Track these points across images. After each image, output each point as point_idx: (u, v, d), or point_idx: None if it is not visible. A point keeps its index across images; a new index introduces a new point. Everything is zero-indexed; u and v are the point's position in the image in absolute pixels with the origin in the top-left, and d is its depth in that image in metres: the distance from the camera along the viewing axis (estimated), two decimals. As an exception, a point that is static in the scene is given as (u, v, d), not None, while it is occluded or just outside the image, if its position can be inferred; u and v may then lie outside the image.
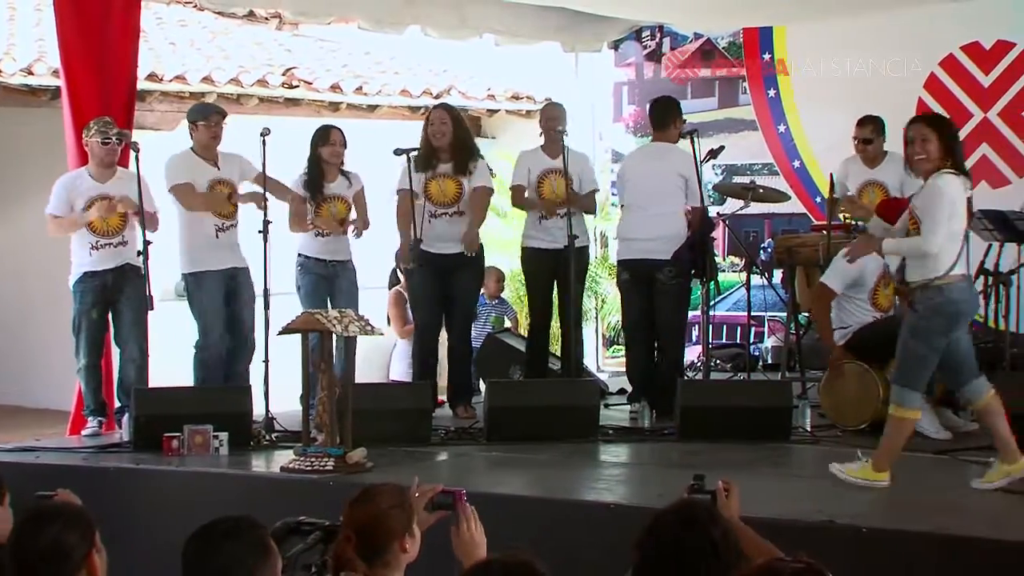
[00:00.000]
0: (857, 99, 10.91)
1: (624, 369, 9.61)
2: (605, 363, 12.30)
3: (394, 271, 10.70)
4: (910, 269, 6.39)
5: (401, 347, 10.97)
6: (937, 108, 11.11)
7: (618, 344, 12.07)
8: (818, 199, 11.31)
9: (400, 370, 10.92)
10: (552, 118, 9.13)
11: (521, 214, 9.56)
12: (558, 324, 9.58)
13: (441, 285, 8.76)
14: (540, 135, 9.12)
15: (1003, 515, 6.02)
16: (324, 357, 7.07)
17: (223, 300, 8.50)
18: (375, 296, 9.58)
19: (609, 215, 11.99)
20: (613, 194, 11.85)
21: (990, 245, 8.75)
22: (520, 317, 11.61)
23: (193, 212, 8.45)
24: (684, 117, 9.11)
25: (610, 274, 11.58)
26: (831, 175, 9.58)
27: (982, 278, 8.61)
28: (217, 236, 8.47)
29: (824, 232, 9.32)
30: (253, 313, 8.52)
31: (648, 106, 9.43)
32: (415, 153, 8.67)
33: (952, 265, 6.25)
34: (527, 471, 7.20)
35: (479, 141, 13.02)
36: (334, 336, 7.04)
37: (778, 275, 10.44)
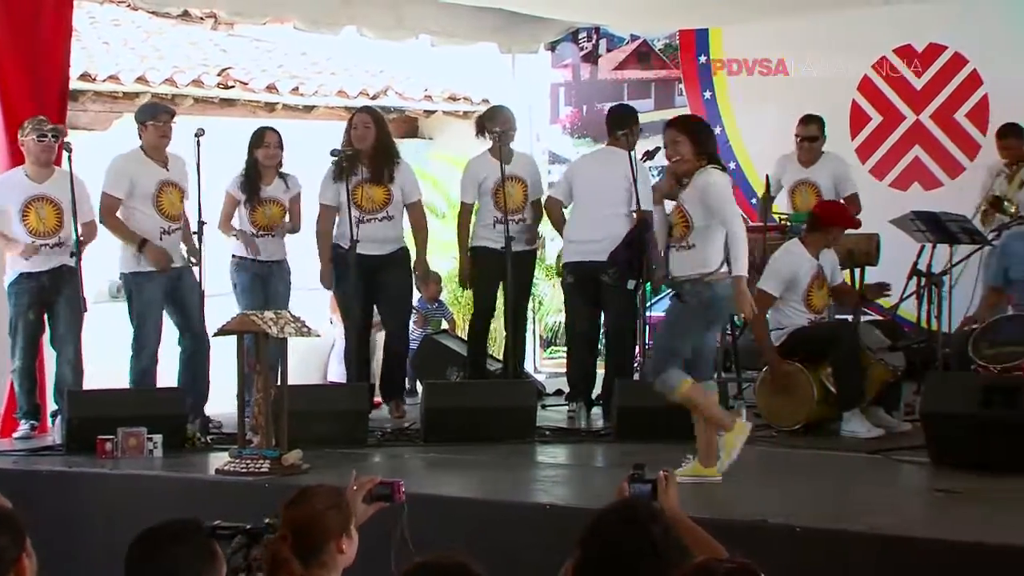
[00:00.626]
0: (792, 101, 10.99)
1: (561, 370, 9.62)
2: (543, 364, 12.31)
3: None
4: (678, 263, 6.54)
5: (339, 348, 10.92)
6: (870, 110, 11.23)
7: (555, 345, 12.09)
8: (753, 200, 11.36)
9: (338, 371, 10.88)
10: (507, 120, 9.12)
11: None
12: (496, 325, 9.57)
13: (370, 286, 8.74)
14: (489, 139, 9.03)
15: (936, 515, 6.08)
16: (259, 358, 7.04)
17: (165, 302, 8.41)
18: (313, 297, 9.52)
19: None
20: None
21: (923, 246, 8.84)
22: (458, 319, 11.60)
23: (133, 214, 8.33)
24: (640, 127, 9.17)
25: (547, 275, 11.58)
26: (766, 176, 9.66)
27: (915, 279, 8.69)
28: (161, 239, 8.35)
29: (760, 232, 9.37)
30: (202, 313, 8.43)
31: (607, 112, 9.46)
32: (350, 153, 8.64)
33: (721, 263, 6.47)
34: (464, 472, 7.20)
35: (415, 142, 13.10)
36: (269, 337, 7.00)
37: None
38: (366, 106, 9.86)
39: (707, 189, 6.48)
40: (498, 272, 8.96)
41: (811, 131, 9.69)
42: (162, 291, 8.35)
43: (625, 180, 8.55)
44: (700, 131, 6.66)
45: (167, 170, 8.41)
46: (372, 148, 8.67)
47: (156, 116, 8.43)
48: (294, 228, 8.87)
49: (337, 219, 8.70)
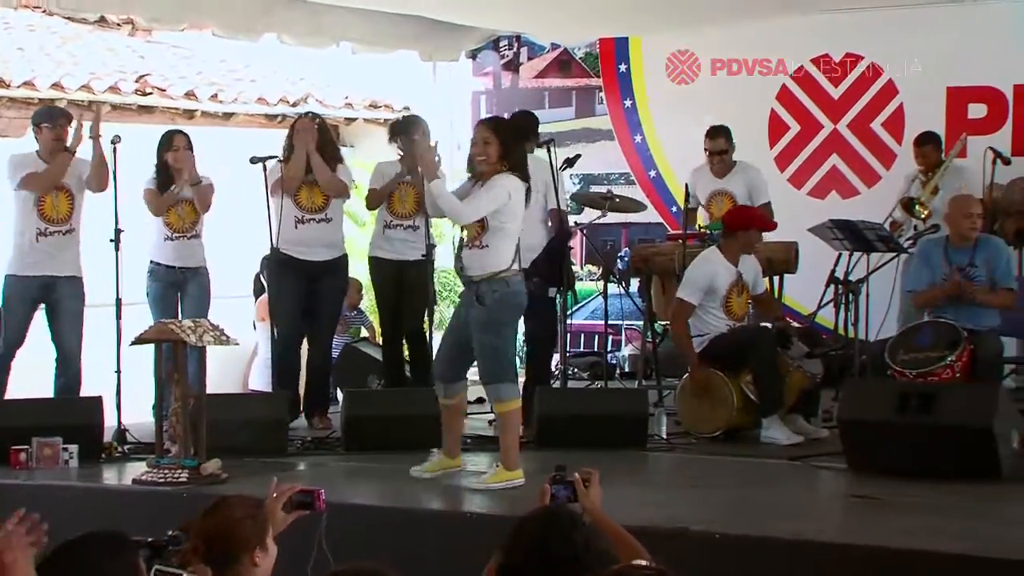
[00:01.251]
0: (711, 110, 11.06)
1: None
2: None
3: (257, 277, 10.58)
4: (471, 262, 6.72)
5: (263, 355, 10.85)
6: (789, 119, 11.33)
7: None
8: (674, 209, 11.45)
9: (260, 379, 10.81)
10: (419, 129, 9.09)
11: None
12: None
13: (305, 293, 8.70)
14: (398, 148, 9.01)
15: (853, 520, 6.13)
16: (177, 367, 6.98)
17: (27, 308, 8.30)
18: (233, 304, 9.46)
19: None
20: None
21: (840, 254, 8.92)
22: (377, 327, 11.55)
23: (22, 214, 8.25)
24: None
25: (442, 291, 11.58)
26: (686, 185, 9.71)
27: (832, 287, 8.77)
28: (37, 240, 8.24)
29: (680, 241, 9.43)
30: (77, 329, 8.33)
31: (511, 117, 9.46)
32: (272, 161, 8.59)
33: (513, 260, 6.72)
34: (384, 481, 7.17)
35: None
36: (187, 346, 6.94)
37: (635, 284, 10.54)
38: (309, 111, 9.83)
39: (487, 185, 6.68)
40: (393, 281, 8.90)
41: (718, 145, 9.75)
42: (25, 297, 8.27)
43: (542, 187, 8.54)
44: (511, 140, 6.80)
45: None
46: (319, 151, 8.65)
47: (52, 119, 8.39)
48: (204, 204, 8.72)
49: (278, 223, 8.62)
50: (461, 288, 7.06)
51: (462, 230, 6.85)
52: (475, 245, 6.71)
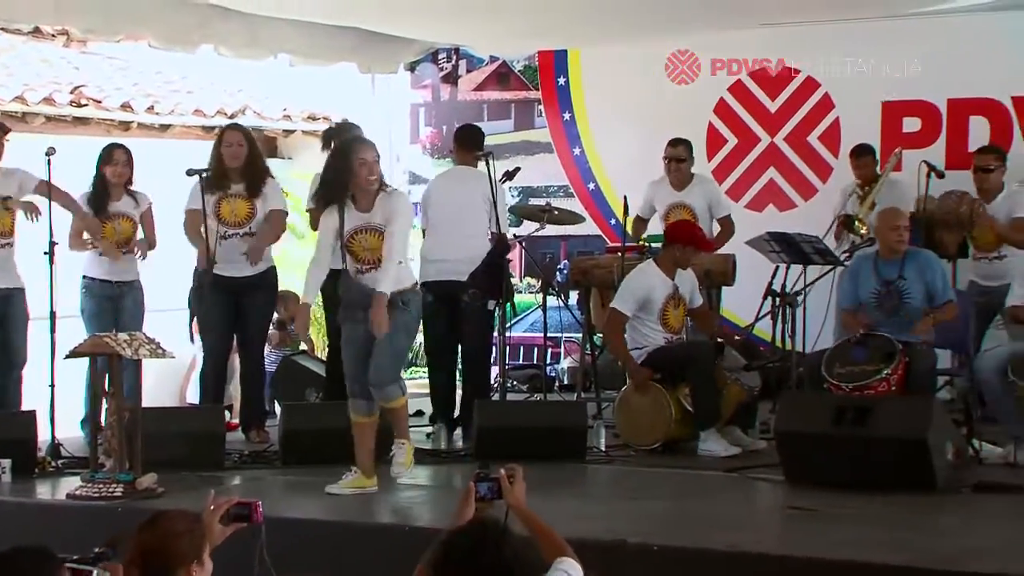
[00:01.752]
0: (649, 123, 11.14)
1: (422, 391, 9.60)
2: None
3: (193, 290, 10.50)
4: (401, 279, 6.93)
5: (199, 369, 10.77)
6: (726, 132, 11.41)
7: (416, 365, 12.07)
8: (612, 221, 11.48)
9: (198, 393, 10.72)
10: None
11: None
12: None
13: (232, 308, 8.64)
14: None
15: (790, 532, 6.17)
16: (113, 380, 6.93)
17: None
18: (167, 318, 9.38)
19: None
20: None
21: (777, 267, 8.97)
22: (316, 340, 11.52)
23: None
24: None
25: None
26: (624, 197, 9.73)
27: (770, 299, 8.82)
28: None
29: (618, 254, 9.47)
30: (26, 337, 8.34)
31: (456, 131, 9.49)
32: (208, 173, 8.55)
33: None
34: (323, 494, 7.14)
35: (275, 162, 12.98)
36: (123, 359, 6.90)
37: (574, 296, 10.56)
38: (235, 123, 9.80)
39: (406, 212, 7.03)
40: None
41: (678, 152, 9.83)
42: None
43: (484, 201, 8.56)
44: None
45: None
46: (244, 165, 8.60)
47: None
48: (151, 244, 8.77)
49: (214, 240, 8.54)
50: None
51: (354, 256, 6.96)
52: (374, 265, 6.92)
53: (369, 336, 6.88)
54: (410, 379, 12.17)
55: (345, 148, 7.01)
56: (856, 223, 9.20)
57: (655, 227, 9.95)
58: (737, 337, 9.06)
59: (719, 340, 8.55)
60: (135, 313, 8.69)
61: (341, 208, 6.90)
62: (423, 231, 9.13)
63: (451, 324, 8.83)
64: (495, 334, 8.86)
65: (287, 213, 8.94)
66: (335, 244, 6.96)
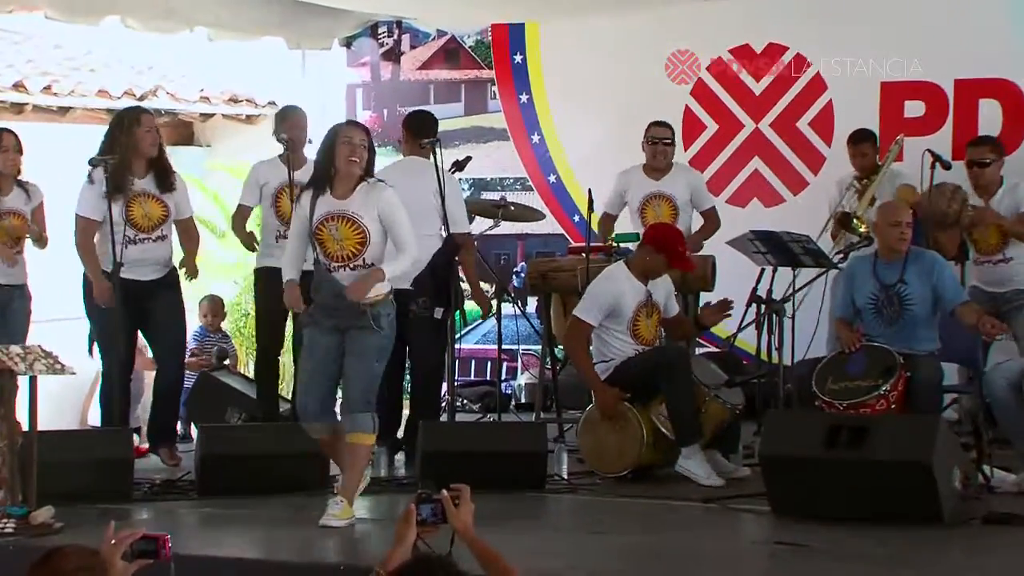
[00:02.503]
0: (618, 107, 11.17)
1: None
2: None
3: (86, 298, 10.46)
4: (394, 268, 7.05)
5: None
6: (705, 117, 11.45)
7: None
8: (576, 218, 11.50)
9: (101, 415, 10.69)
10: (299, 126, 9.13)
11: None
12: (290, 359, 9.49)
13: (137, 316, 8.62)
14: (281, 143, 9.02)
15: (779, 571, 6.20)
16: (3, 400, 6.88)
17: None
18: (60, 328, 9.32)
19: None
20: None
21: (763, 270, 9.01)
22: (240, 352, 11.48)
23: None
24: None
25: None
26: (589, 191, 9.73)
27: (754, 306, 8.86)
28: None
29: (583, 255, 9.47)
30: None
31: (405, 117, 9.47)
32: (115, 162, 8.49)
33: None
34: (247, 529, 7.12)
35: (192, 150, 12.95)
36: (15, 375, 6.86)
37: (532, 304, 10.57)
38: (138, 106, 9.78)
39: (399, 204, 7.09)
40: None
41: (663, 132, 9.88)
42: None
43: (433, 197, 8.54)
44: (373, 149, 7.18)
45: None
46: (156, 156, 8.60)
47: None
48: (44, 242, 8.77)
49: (97, 236, 8.55)
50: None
51: (323, 247, 6.98)
52: (358, 264, 6.96)
53: (338, 350, 7.00)
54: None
55: (332, 129, 7.17)
56: (855, 221, 9.22)
57: (624, 224, 9.97)
58: (715, 350, 9.10)
59: (699, 326, 8.65)
60: (22, 322, 8.68)
61: (316, 195, 6.99)
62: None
63: (399, 336, 8.79)
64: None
65: (189, 210, 9.01)
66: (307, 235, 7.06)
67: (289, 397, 9.71)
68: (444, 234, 8.68)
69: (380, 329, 6.99)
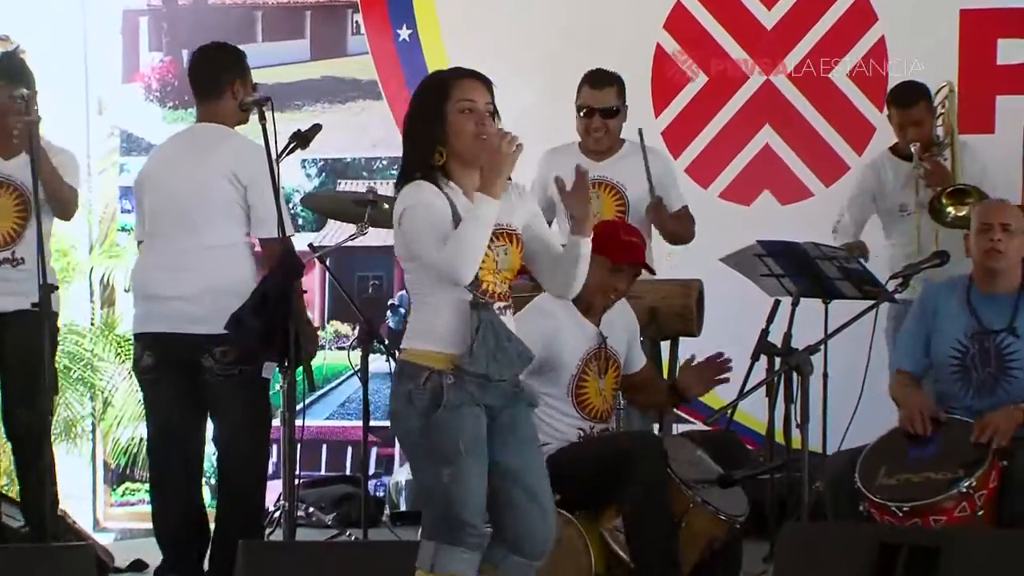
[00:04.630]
0: (550, 51, 11.17)
1: (144, 524, 9.57)
2: (110, 514, 12.21)
3: None
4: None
5: None
6: (687, 65, 11.51)
7: (133, 480, 12.03)
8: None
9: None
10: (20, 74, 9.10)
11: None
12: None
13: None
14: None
15: None
16: None
17: None
18: None
19: (119, 249, 11.97)
20: (126, 211, 11.80)
21: (776, 302, 9.04)
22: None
23: None
24: (252, 78, 9.13)
25: (119, 355, 11.55)
26: (508, 179, 9.74)
27: (764, 359, 8.90)
28: None
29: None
30: None
31: (190, 59, 9.43)
32: None
33: None
34: None
35: None
36: None
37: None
38: None
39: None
40: None
41: (606, 99, 9.83)
42: None
43: (229, 183, 8.51)
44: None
45: None
46: None
47: None
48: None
49: None
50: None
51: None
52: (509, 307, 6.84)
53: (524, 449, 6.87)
54: (123, 503, 12.20)
55: (435, 83, 6.97)
56: (946, 203, 9.33)
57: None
58: (704, 427, 9.12)
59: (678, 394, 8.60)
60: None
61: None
62: (139, 242, 9.09)
63: (189, 407, 8.77)
64: (276, 423, 8.83)
65: None
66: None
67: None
68: (249, 241, 8.65)
69: (534, 408, 6.99)
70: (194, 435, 8.90)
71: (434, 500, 6.71)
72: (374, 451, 11.20)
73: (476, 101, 6.77)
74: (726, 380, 8.65)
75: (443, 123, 6.70)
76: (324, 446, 12.08)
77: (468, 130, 6.68)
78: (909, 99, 9.94)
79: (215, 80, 8.93)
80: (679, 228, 9.82)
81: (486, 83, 6.87)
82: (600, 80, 9.84)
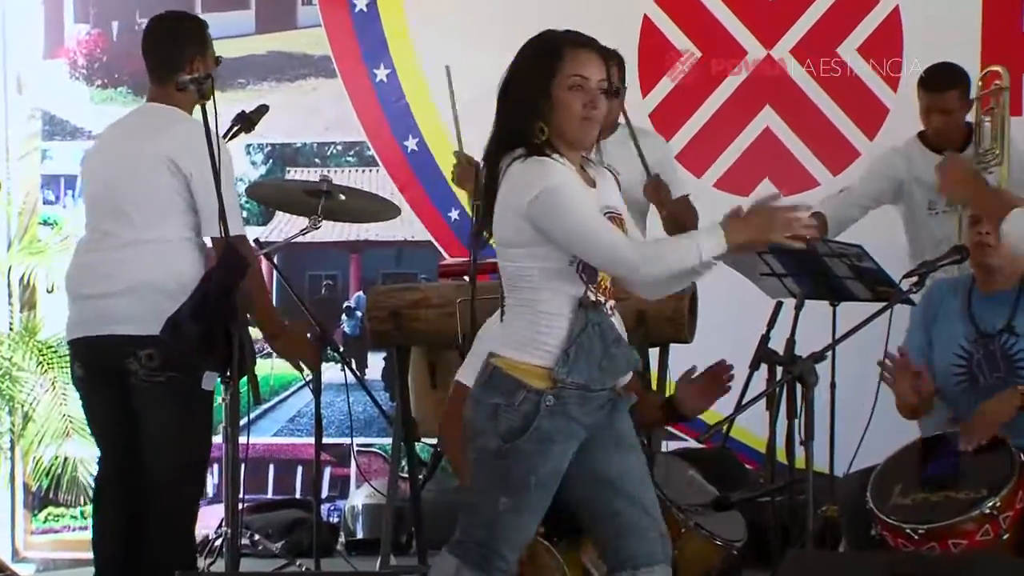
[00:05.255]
0: (523, 21, 11.22)
1: (69, 553, 9.62)
2: (31, 542, 12.25)
3: None
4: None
5: None
6: (678, 39, 11.59)
7: (58, 505, 12.06)
8: (454, 214, 11.56)
9: None
10: None
11: None
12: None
13: None
14: None
15: None
16: None
17: None
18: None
19: (41, 244, 12.01)
20: (48, 203, 11.84)
21: (778, 305, 9.09)
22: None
23: None
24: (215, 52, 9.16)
25: (42, 364, 11.59)
26: (477, 167, 9.76)
27: (765, 368, 8.94)
28: None
29: (465, 279, 9.50)
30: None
31: (144, 30, 9.45)
32: None
33: None
34: None
35: None
36: None
37: (376, 365, 10.61)
38: None
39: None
40: None
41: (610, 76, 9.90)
42: None
43: (168, 171, 8.51)
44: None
45: None
46: None
47: None
48: None
49: None
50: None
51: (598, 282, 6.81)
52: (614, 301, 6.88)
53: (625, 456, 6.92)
54: (46, 530, 12.22)
55: (541, 47, 7.04)
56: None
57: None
58: (698, 445, 9.18)
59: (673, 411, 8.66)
60: None
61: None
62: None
63: (120, 418, 8.81)
64: (218, 440, 8.87)
65: None
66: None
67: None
68: (198, 238, 8.69)
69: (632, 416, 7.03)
70: (127, 450, 8.92)
71: (479, 521, 6.75)
72: (327, 471, 11.26)
73: (589, 78, 6.83)
74: (726, 391, 8.73)
75: (547, 97, 6.75)
76: (271, 466, 12.12)
77: (576, 111, 6.74)
78: (942, 84, 9.91)
79: (171, 56, 8.85)
80: (680, 210, 9.88)
81: (604, 56, 6.92)
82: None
